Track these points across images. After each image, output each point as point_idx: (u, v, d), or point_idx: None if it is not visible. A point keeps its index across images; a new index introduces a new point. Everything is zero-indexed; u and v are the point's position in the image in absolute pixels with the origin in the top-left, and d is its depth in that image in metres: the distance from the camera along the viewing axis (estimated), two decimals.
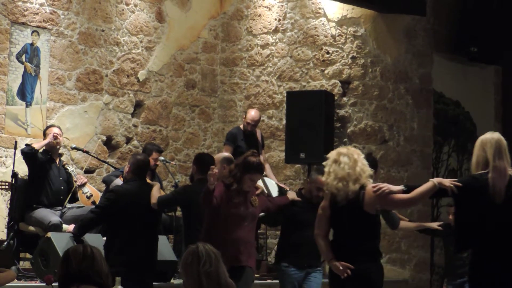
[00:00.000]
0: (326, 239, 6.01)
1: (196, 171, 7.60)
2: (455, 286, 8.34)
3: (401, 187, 5.85)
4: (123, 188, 7.53)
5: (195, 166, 7.62)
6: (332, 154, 6.06)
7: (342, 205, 5.88)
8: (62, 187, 8.55)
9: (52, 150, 8.62)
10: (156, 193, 7.46)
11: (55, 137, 8.54)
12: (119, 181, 8.74)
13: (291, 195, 7.89)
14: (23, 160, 8.60)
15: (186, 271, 4.03)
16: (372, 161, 7.92)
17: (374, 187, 5.84)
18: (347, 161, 5.92)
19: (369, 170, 5.96)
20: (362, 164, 5.95)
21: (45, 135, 8.69)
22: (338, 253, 5.91)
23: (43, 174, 8.48)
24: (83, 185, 8.77)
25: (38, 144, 8.55)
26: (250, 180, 6.91)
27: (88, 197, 8.78)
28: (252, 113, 10.32)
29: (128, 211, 7.25)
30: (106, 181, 9.19)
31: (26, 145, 8.57)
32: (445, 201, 11.07)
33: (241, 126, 10.29)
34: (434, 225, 8.49)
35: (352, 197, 5.85)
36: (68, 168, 8.80)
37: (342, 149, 6.08)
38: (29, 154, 8.40)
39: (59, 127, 8.80)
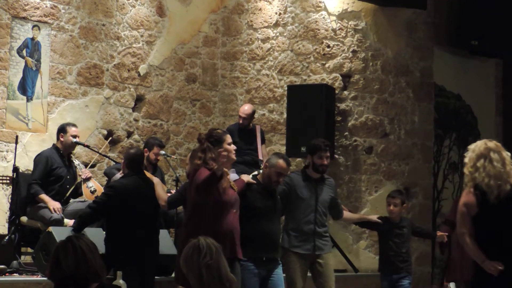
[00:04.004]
0: (474, 239, 5.72)
1: None
2: (390, 282, 8.18)
3: None
4: (121, 183, 7.51)
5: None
6: (477, 147, 5.78)
7: (493, 204, 5.66)
8: (68, 186, 8.53)
9: (65, 149, 8.58)
10: (162, 193, 7.43)
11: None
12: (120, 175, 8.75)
13: (246, 177, 7.29)
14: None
15: (187, 264, 4.02)
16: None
17: None
18: (498, 158, 5.69)
19: None
20: (510, 161, 5.73)
21: (60, 133, 8.58)
22: (489, 252, 5.66)
23: (54, 176, 8.46)
24: (88, 179, 8.73)
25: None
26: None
27: (92, 192, 8.77)
28: (245, 107, 10.34)
29: (127, 206, 7.24)
30: (108, 174, 9.16)
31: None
32: (447, 194, 11.09)
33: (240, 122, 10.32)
34: (374, 217, 8.38)
35: (504, 196, 5.66)
36: (74, 161, 8.79)
37: (490, 143, 5.78)
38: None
39: (75, 125, 8.72)
